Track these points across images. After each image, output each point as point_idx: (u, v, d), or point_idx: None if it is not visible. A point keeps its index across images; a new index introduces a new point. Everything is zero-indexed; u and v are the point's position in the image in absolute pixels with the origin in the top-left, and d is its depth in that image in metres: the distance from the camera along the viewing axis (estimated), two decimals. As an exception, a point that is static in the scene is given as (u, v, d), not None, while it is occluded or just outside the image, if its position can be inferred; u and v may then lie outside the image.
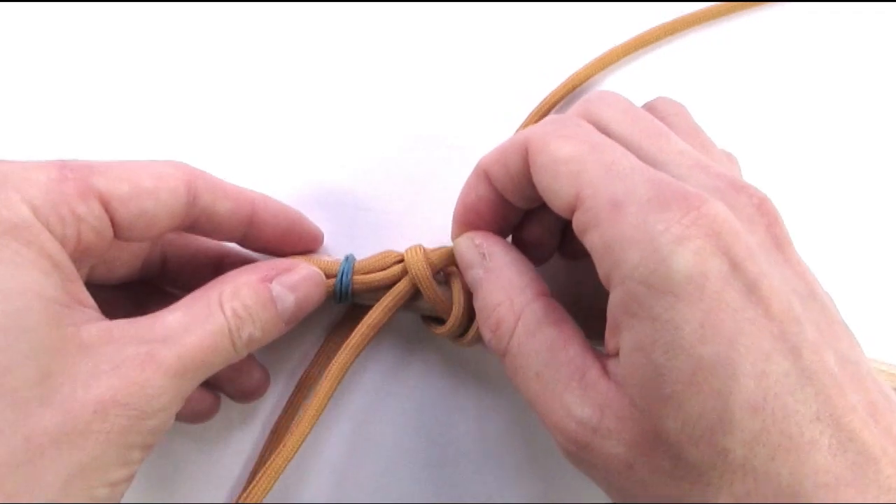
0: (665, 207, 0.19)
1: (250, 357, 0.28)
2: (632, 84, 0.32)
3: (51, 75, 0.32)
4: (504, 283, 0.24)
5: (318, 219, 0.29)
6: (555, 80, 0.31)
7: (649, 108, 0.25)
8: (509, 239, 0.27)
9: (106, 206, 0.22)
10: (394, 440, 0.30)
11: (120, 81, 0.32)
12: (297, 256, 0.27)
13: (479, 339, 0.27)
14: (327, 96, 0.32)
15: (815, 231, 0.30)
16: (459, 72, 0.32)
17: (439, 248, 0.27)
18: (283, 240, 0.27)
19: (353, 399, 0.30)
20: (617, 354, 0.20)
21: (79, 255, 0.22)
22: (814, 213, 0.31)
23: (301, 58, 0.32)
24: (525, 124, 0.30)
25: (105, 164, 0.22)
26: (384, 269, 0.27)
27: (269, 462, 0.25)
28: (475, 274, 0.25)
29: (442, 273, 0.28)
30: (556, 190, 0.21)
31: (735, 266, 0.19)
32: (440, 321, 0.28)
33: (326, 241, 0.30)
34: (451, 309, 0.27)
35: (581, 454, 0.21)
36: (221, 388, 0.28)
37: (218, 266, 0.28)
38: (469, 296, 0.26)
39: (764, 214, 0.21)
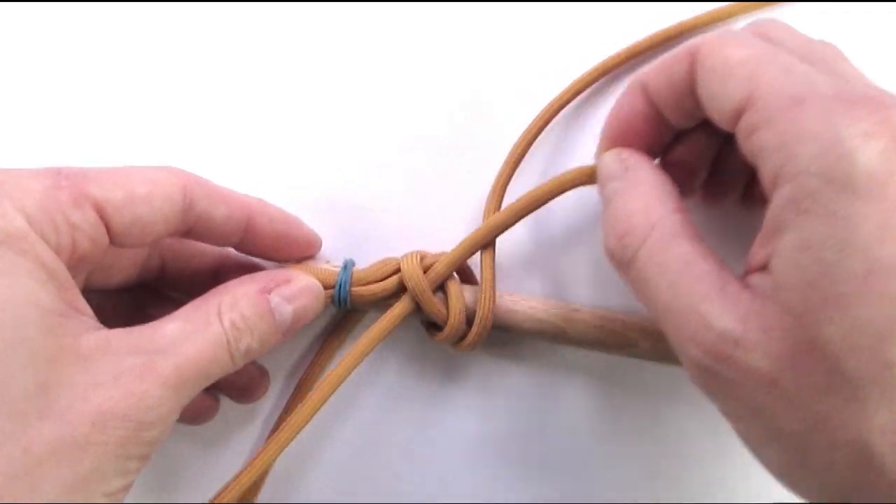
0: (852, 106, 0.18)
1: None
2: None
3: (47, 78, 0.32)
4: (642, 193, 0.23)
5: (316, 220, 0.29)
6: (556, 80, 0.31)
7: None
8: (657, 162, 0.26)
9: (101, 213, 0.22)
10: (393, 440, 0.31)
11: (116, 85, 0.32)
12: (296, 265, 0.27)
13: (476, 344, 0.28)
14: (325, 97, 0.32)
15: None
16: (460, 73, 0.32)
17: (439, 259, 0.27)
18: (280, 245, 0.27)
19: (355, 399, 0.31)
20: (764, 267, 0.19)
21: (74, 263, 0.22)
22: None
23: (299, 59, 0.32)
24: (519, 144, 0.30)
25: (99, 170, 0.22)
26: (383, 278, 0.27)
27: (249, 463, 0.25)
28: (613, 186, 0.24)
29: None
30: (726, 92, 0.21)
31: None
32: (439, 327, 0.28)
33: (326, 242, 0.30)
34: (448, 317, 0.27)
35: (718, 369, 0.19)
36: (221, 389, 0.28)
37: (217, 270, 0.28)
38: (464, 303, 0.27)
39: None
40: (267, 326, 0.24)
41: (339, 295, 0.27)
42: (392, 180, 0.31)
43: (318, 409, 0.26)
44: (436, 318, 0.27)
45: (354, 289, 0.27)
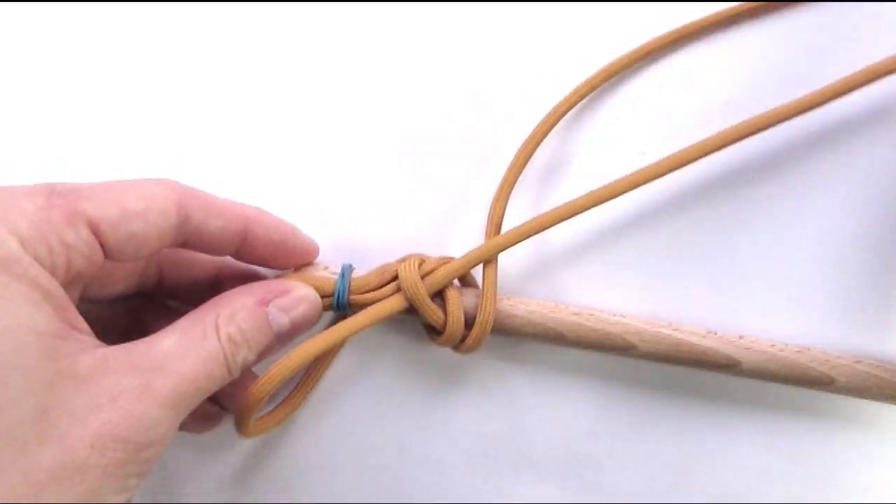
0: None
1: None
2: (640, 93, 0.31)
3: (46, 82, 0.32)
4: None
5: (314, 223, 0.29)
6: (557, 83, 0.31)
7: None
8: None
9: (95, 231, 0.21)
10: (394, 441, 0.31)
11: (113, 91, 0.32)
12: (294, 274, 0.27)
13: (475, 348, 0.28)
14: (324, 99, 0.31)
15: (829, 237, 0.30)
16: (460, 75, 0.31)
17: (438, 264, 0.27)
18: (278, 254, 0.27)
19: (355, 400, 0.31)
20: None
21: (70, 280, 0.21)
22: (825, 215, 0.31)
23: (297, 62, 0.31)
24: (524, 149, 0.30)
25: (93, 187, 0.22)
26: (381, 286, 0.27)
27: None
28: None
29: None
30: None
31: None
32: (438, 331, 0.28)
33: (324, 245, 0.29)
34: (446, 323, 0.27)
35: None
36: (218, 400, 0.29)
37: (215, 279, 0.28)
38: (462, 310, 0.27)
39: None
40: (264, 338, 0.24)
41: (338, 302, 0.27)
42: (392, 182, 0.31)
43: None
44: (434, 324, 0.27)
45: (353, 297, 0.27)
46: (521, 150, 0.29)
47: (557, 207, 0.27)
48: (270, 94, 0.31)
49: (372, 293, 0.27)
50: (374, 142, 0.31)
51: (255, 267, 0.28)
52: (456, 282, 0.28)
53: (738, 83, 0.30)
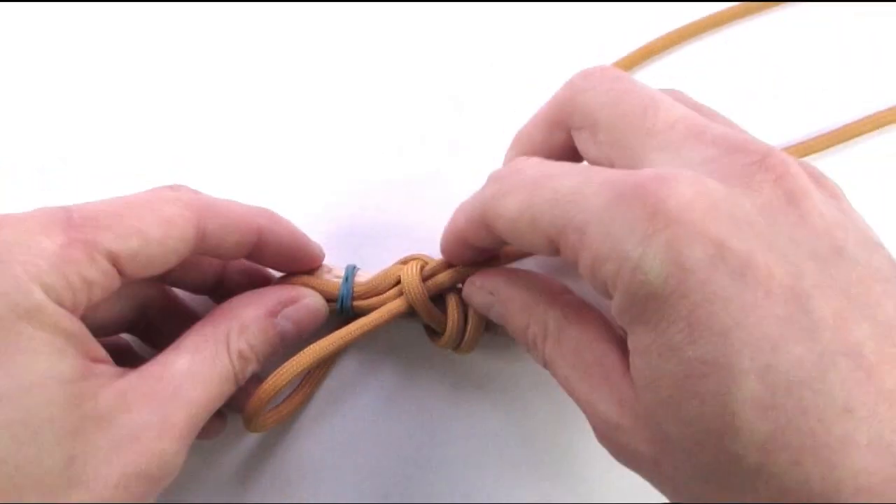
0: (624, 208, 0.18)
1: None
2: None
3: (43, 81, 0.32)
4: (518, 308, 0.24)
5: (318, 220, 0.30)
6: (558, 81, 0.31)
7: None
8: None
9: (114, 262, 0.21)
10: (394, 441, 0.31)
11: (112, 90, 0.32)
12: (299, 278, 0.27)
13: (474, 346, 0.28)
14: (327, 98, 0.32)
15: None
16: (461, 74, 0.31)
17: (440, 268, 0.27)
18: (286, 262, 0.27)
19: (355, 401, 0.31)
20: None
21: (88, 312, 0.22)
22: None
23: (299, 63, 0.32)
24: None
25: (111, 214, 0.22)
26: (384, 291, 0.27)
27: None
28: (495, 312, 0.25)
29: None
30: (532, 246, 0.21)
31: (719, 247, 0.17)
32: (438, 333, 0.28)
33: (328, 242, 0.29)
34: (447, 326, 0.27)
35: (613, 451, 0.21)
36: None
37: (222, 271, 0.28)
38: (463, 310, 0.27)
39: (768, 170, 0.18)
40: (272, 349, 0.25)
41: (341, 307, 0.27)
42: (393, 180, 0.31)
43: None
44: (434, 327, 0.28)
45: (356, 302, 0.27)
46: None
47: None
48: (272, 90, 0.32)
49: (375, 298, 0.27)
50: (375, 141, 0.31)
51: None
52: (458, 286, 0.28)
53: (738, 83, 0.31)
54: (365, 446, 0.31)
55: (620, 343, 0.21)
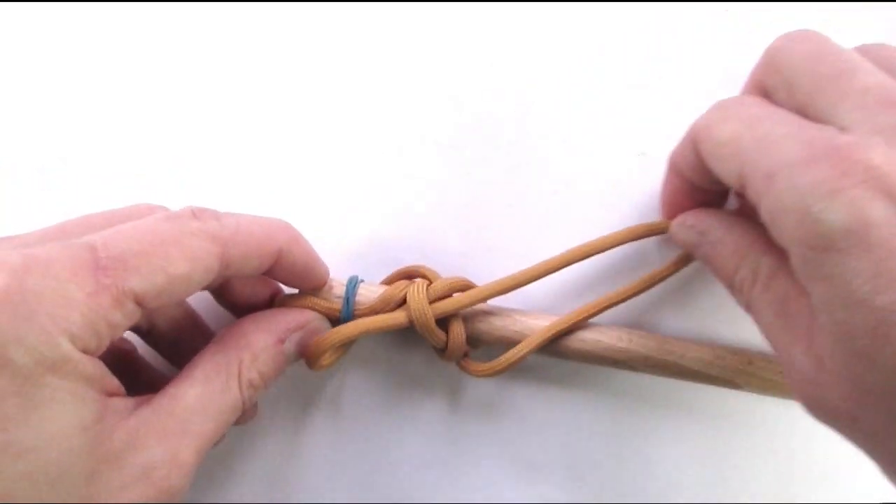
0: (814, 165, 0.19)
1: None
2: (640, 93, 0.31)
3: (42, 81, 0.32)
4: (730, 251, 0.24)
5: (317, 220, 0.30)
6: (559, 83, 0.31)
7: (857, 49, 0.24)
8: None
9: (139, 303, 0.21)
10: (394, 441, 0.31)
11: (112, 90, 0.31)
12: (304, 297, 0.28)
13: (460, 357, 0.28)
14: (326, 97, 0.31)
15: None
16: (462, 74, 0.31)
17: (447, 291, 0.27)
18: (295, 282, 0.27)
19: (355, 402, 0.31)
20: None
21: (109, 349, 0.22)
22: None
23: (298, 61, 0.31)
24: None
25: (139, 253, 0.21)
26: (387, 311, 0.27)
27: None
28: (702, 252, 0.26)
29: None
30: (725, 173, 0.22)
31: None
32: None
33: (327, 243, 0.29)
34: (447, 346, 0.28)
35: (809, 406, 0.21)
36: None
37: None
38: (464, 337, 0.27)
39: None
40: (279, 373, 0.26)
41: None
42: (393, 181, 0.31)
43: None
44: (435, 346, 0.28)
45: (360, 321, 0.27)
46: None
47: (613, 234, 0.28)
48: (270, 89, 0.31)
49: (379, 317, 0.27)
50: (379, 148, 0.31)
51: None
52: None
53: (737, 82, 0.30)
54: (364, 446, 0.31)
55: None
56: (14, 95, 0.32)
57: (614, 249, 0.30)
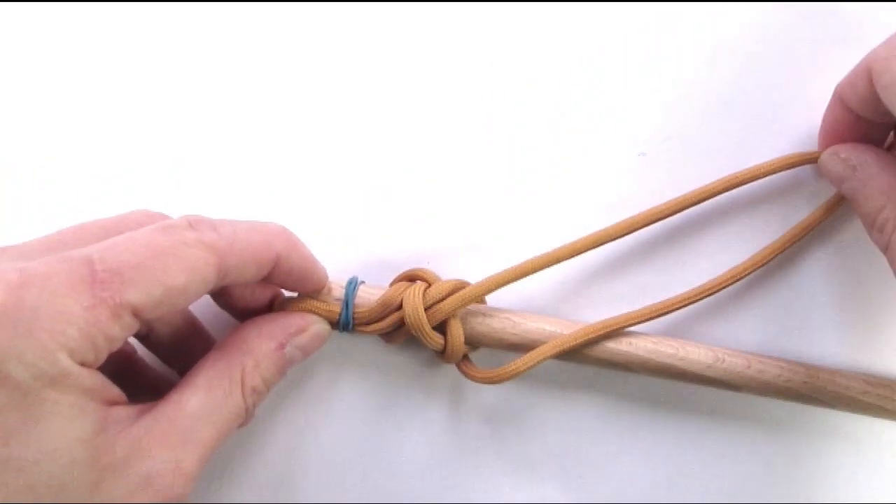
0: None
1: None
2: (640, 93, 0.31)
3: (42, 81, 0.32)
4: (879, 188, 0.25)
5: (317, 221, 0.30)
6: (559, 83, 0.31)
7: None
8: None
9: (137, 315, 0.21)
10: (394, 441, 0.31)
11: (112, 90, 0.31)
12: (303, 301, 0.28)
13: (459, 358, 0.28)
14: (326, 98, 0.31)
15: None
16: (462, 74, 0.31)
17: (444, 294, 0.27)
18: (294, 287, 0.27)
19: (355, 401, 0.31)
20: None
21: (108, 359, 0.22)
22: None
23: (298, 61, 0.31)
24: None
25: (136, 265, 0.21)
26: (385, 316, 0.28)
27: None
28: (849, 186, 0.26)
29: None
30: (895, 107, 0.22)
31: None
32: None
33: (326, 244, 0.29)
34: (445, 349, 0.28)
35: None
36: None
37: None
38: (462, 340, 0.28)
39: None
40: (281, 377, 0.26)
41: (342, 329, 0.28)
42: (393, 181, 0.31)
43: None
44: (434, 350, 0.28)
45: (359, 328, 0.28)
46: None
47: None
48: (269, 89, 0.31)
49: (377, 324, 0.28)
50: (379, 150, 0.31)
51: None
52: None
53: (738, 82, 0.30)
54: (364, 446, 0.31)
55: None
56: (13, 95, 0.31)
57: (615, 249, 0.30)
